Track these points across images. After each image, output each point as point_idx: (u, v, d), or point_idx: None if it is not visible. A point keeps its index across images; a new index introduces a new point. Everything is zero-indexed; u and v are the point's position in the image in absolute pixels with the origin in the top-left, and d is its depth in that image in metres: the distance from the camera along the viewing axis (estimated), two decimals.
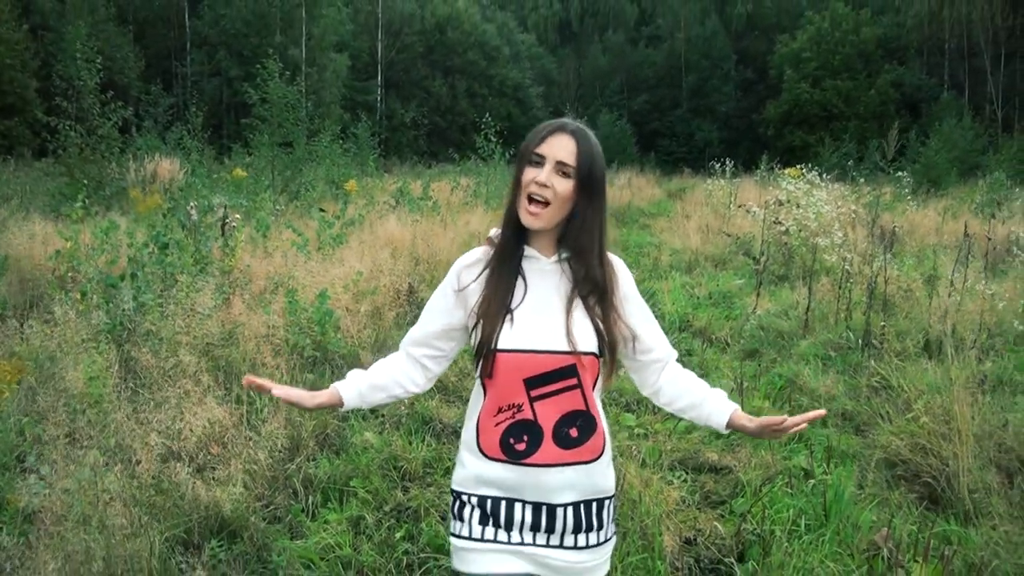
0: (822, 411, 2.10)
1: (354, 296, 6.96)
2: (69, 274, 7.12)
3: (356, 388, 2.12)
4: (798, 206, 9.95)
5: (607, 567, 2.15)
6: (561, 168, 1.96)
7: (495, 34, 55.17)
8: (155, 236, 7.19)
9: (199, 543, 3.48)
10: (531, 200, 1.96)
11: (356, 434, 4.93)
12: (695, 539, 3.91)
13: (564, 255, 2.04)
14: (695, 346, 7.48)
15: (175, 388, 4.41)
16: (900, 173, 12.00)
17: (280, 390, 2.03)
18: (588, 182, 1.98)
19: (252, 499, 3.87)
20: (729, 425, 2.15)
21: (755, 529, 3.90)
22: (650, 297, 9.53)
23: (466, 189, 18.33)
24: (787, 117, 46.65)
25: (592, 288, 2.03)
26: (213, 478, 3.81)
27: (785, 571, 3.48)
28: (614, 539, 2.17)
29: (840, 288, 7.68)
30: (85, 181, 15.52)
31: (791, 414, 5.34)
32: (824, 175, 12.76)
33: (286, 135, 18.47)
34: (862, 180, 12.65)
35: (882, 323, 6.35)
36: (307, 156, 18.96)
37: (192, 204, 7.85)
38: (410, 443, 4.83)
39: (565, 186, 1.96)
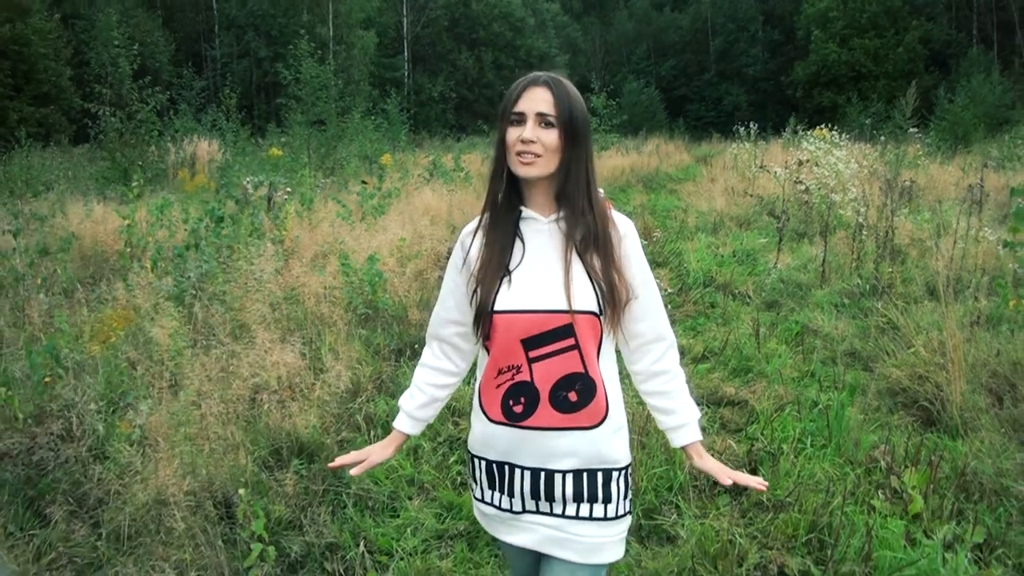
0: (764, 485, 2.10)
1: (398, 260, 7.51)
2: (128, 249, 7.72)
3: (409, 418, 2.18)
4: (817, 165, 10.33)
5: (620, 550, 2.06)
6: (543, 119, 1.96)
7: (520, 4, 55.07)
8: (210, 211, 7.78)
9: (284, 462, 4.06)
10: (520, 156, 1.97)
11: (408, 378, 5.48)
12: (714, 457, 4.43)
13: (562, 213, 2.02)
14: (718, 299, 7.94)
15: (244, 341, 5.00)
16: (913, 130, 12.26)
17: (359, 468, 2.12)
18: (571, 128, 1.97)
19: (323, 431, 4.44)
20: (683, 448, 2.15)
21: (766, 447, 4.41)
22: (676, 256, 10.02)
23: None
24: (815, 78, 46.17)
25: (585, 235, 2.00)
26: (290, 412, 4.38)
27: (791, 478, 4.00)
28: (629, 519, 2.09)
29: (854, 241, 8.11)
30: (127, 164, 16.24)
31: (804, 356, 5.85)
32: (846, 135, 13.08)
33: (319, 113, 19.02)
34: (882, 138, 12.92)
35: (889, 270, 6.80)
36: (340, 133, 19.47)
37: (247, 179, 8.42)
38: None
39: (551, 136, 1.95)
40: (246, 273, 6.06)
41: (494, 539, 2.14)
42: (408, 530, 3.66)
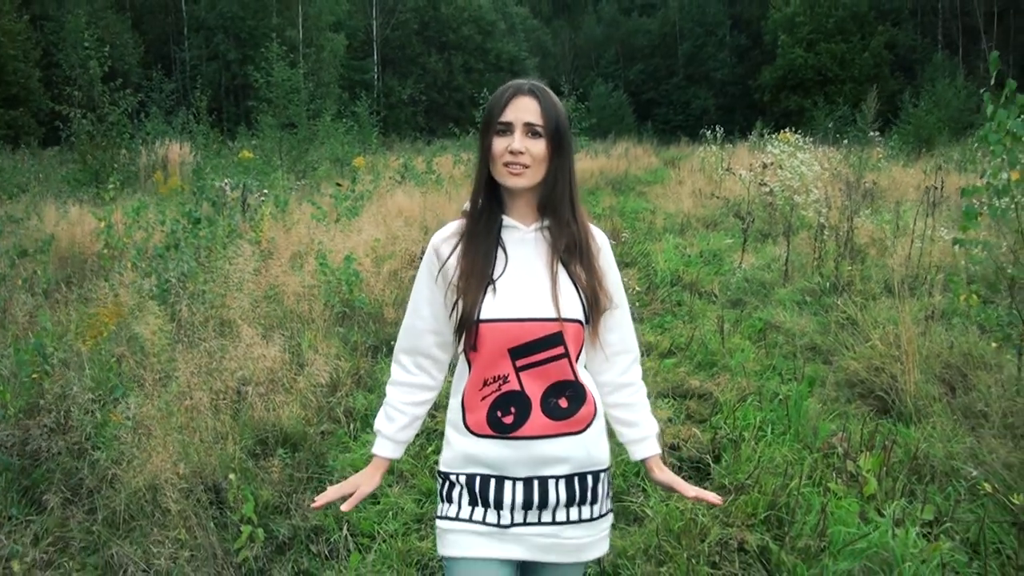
0: (720, 500, 2.15)
1: (374, 260, 7.68)
2: (107, 250, 7.84)
3: (390, 443, 2.12)
4: (781, 168, 10.62)
5: (606, 545, 2.10)
6: (530, 129, 1.95)
7: (489, 8, 55.33)
8: (187, 213, 7.91)
9: (270, 451, 4.23)
10: (509, 168, 1.95)
11: (386, 375, 5.66)
12: (679, 445, 4.65)
13: (545, 223, 2.02)
14: (684, 297, 8.18)
15: (229, 337, 5.16)
16: (873, 134, 12.61)
17: (351, 502, 2.07)
18: (557, 137, 1.97)
19: (306, 422, 4.61)
20: (642, 462, 2.16)
21: (728, 435, 4.63)
22: (644, 257, 10.25)
23: (467, 163, 18.98)
24: (782, 82, 46.76)
25: (570, 244, 2.01)
26: (274, 405, 4.55)
27: (751, 463, 4.21)
28: (611, 516, 2.13)
29: (816, 241, 8.38)
30: (98, 167, 16.25)
31: (767, 351, 6.08)
32: (811, 139, 13.38)
33: (290, 116, 19.12)
34: (845, 142, 13.26)
35: (849, 269, 7.07)
36: (311, 136, 19.57)
37: (226, 181, 8.55)
38: None
39: (539, 147, 1.95)
40: (226, 272, 6.21)
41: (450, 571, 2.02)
42: (389, 514, 3.84)
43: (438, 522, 2.05)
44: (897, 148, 17.63)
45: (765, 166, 11.02)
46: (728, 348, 6.34)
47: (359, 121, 24.94)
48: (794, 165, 10.59)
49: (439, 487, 2.08)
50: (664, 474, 2.13)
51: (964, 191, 4.63)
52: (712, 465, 4.40)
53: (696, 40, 55.18)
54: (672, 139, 40.99)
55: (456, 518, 2.00)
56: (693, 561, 3.33)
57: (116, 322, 5.03)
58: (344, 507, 2.05)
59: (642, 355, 2.28)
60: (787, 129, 16.31)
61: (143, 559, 3.27)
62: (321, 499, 2.03)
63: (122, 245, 7.98)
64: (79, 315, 5.55)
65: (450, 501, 2.03)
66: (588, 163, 24.10)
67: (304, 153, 18.49)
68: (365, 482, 2.08)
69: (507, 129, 1.95)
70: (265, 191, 9.09)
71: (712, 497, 2.11)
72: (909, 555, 3.25)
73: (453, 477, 2.02)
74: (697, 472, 4.42)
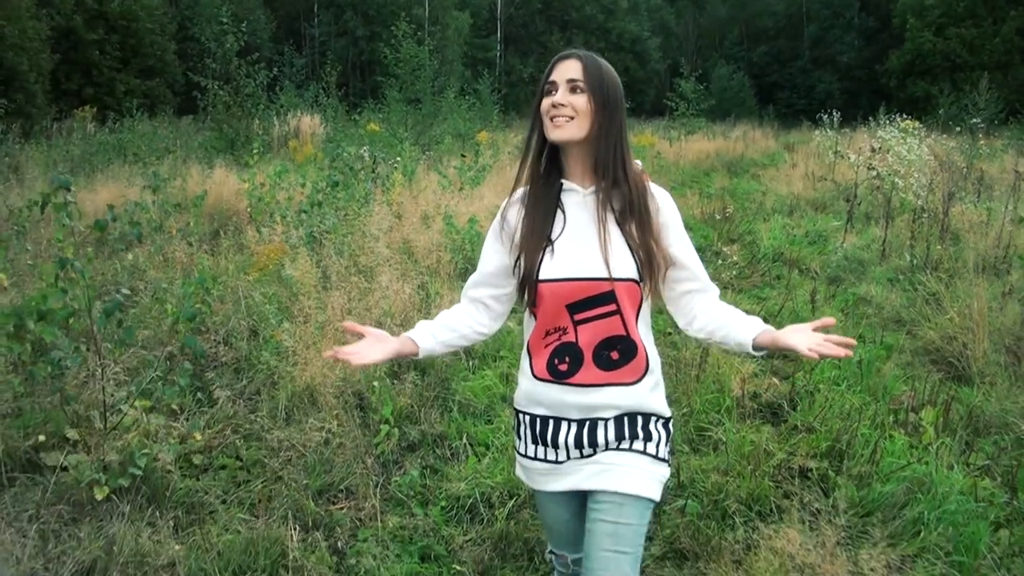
0: (848, 347, 1.97)
1: None
2: (260, 204, 8.76)
3: (428, 332, 2.20)
4: (888, 152, 10.88)
5: (659, 490, 2.15)
6: (572, 85, 2.05)
7: None
8: (326, 176, 8.78)
9: (404, 373, 5.00)
10: (552, 121, 2.06)
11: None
12: (759, 394, 5.20)
13: (602, 184, 2.10)
14: (784, 272, 8.63)
15: (367, 281, 5.95)
16: (975, 121, 12.63)
17: (344, 352, 2.07)
18: (601, 95, 2.05)
19: None
20: (756, 343, 2.10)
21: (805, 386, 5.16)
22: (750, 235, 10.70)
23: None
24: (910, 67, 45.41)
25: (623, 205, 2.10)
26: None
27: (824, 410, 4.74)
28: (667, 468, 2.20)
29: (914, 223, 8.71)
30: (233, 135, 17.46)
31: (856, 321, 6.54)
32: (928, 127, 13.42)
33: (416, 92, 20.03)
34: (958, 130, 13.30)
35: (939, 248, 7.44)
36: (434, 111, 20.43)
37: (364, 149, 9.41)
38: None
39: (581, 100, 2.04)
40: (363, 229, 7.02)
41: (532, 495, 2.28)
42: (501, 428, 4.53)
43: (517, 455, 2.32)
44: (1015, 137, 17.37)
45: (874, 150, 11.26)
46: (818, 316, 6.79)
47: (481, 98, 25.75)
48: (902, 151, 10.83)
49: (513, 423, 2.32)
50: (776, 339, 2.07)
51: None
52: (788, 411, 4.95)
53: (823, 22, 54.04)
54: (794, 123, 40.34)
55: (524, 455, 2.25)
56: (758, 476, 3.91)
57: (279, 259, 5.89)
58: (326, 353, 2.12)
59: None
60: (907, 117, 16.28)
61: (300, 442, 4.06)
62: (353, 328, 2.15)
63: (266, 203, 8.91)
64: (242, 257, 6.44)
65: (520, 438, 2.27)
66: (704, 144, 24.32)
67: (428, 127, 19.36)
68: (376, 347, 2.11)
69: (552, 87, 2.08)
70: (397, 158, 9.92)
71: (841, 345, 1.97)
72: (947, 483, 3.76)
73: (521, 415, 2.24)
74: (775, 416, 4.97)
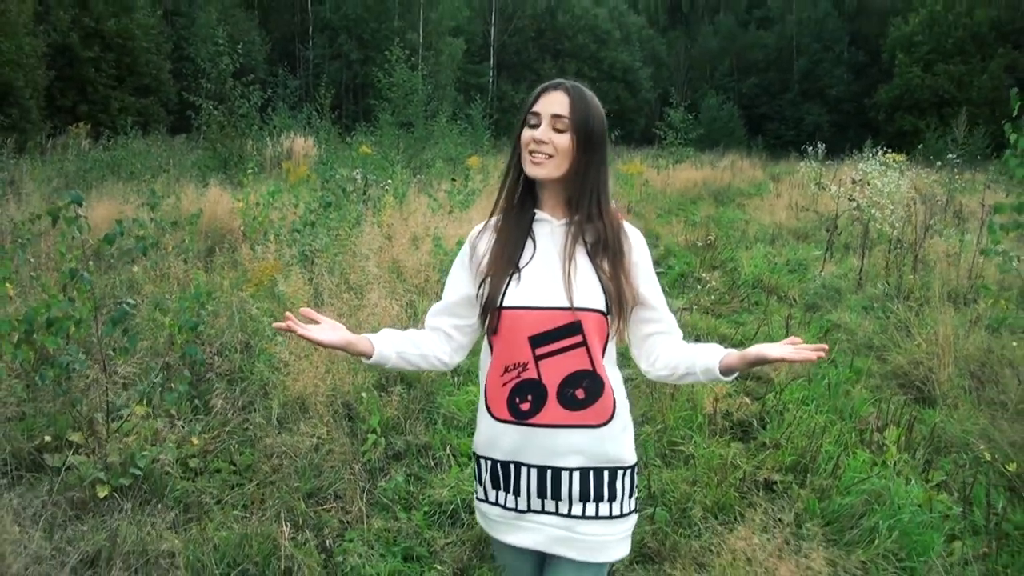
0: (815, 353, 1.94)
1: None
2: (253, 222, 8.97)
3: (389, 339, 2.11)
4: (868, 184, 11.20)
5: (626, 547, 2.12)
6: (557, 121, 1.99)
7: (606, 17, 55.85)
8: (319, 197, 9.01)
9: (391, 386, 5.21)
10: (532, 156, 2.01)
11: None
12: (731, 412, 5.43)
13: (575, 217, 2.05)
14: (763, 299, 8.88)
15: (357, 298, 6.17)
16: (950, 156, 12.98)
17: (301, 329, 1.99)
18: (585, 133, 2.00)
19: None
20: (723, 365, 2.05)
21: (775, 406, 5.39)
22: (732, 262, 10.97)
23: None
24: (898, 102, 45.92)
25: (596, 241, 2.05)
26: None
27: (791, 428, 4.97)
28: (634, 517, 2.15)
29: (889, 253, 9.01)
30: (226, 155, 17.66)
31: (830, 347, 6.76)
32: (912, 160, 13.70)
33: (409, 116, 20.31)
34: (939, 164, 13.64)
35: (911, 278, 7.72)
36: (426, 135, 20.70)
37: (357, 171, 9.66)
38: None
39: (563, 140, 1.99)
40: (354, 248, 7.25)
41: (492, 546, 2.22)
42: None
43: (475, 502, 2.23)
44: (999, 172, 17.71)
45: (854, 182, 11.59)
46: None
47: (472, 123, 26.05)
48: (882, 183, 11.15)
49: (474, 468, 2.24)
50: (745, 354, 2.03)
51: (996, 207, 5.29)
52: (758, 429, 5.18)
53: (813, 55, 54.60)
54: (783, 154, 40.71)
55: (484, 500, 2.16)
56: (724, 486, 4.14)
57: (273, 275, 6.11)
58: (276, 324, 2.04)
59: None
60: (896, 150, 16.64)
61: (292, 448, 4.27)
62: (307, 312, 2.06)
63: (259, 222, 9.13)
64: (236, 274, 6.66)
65: (480, 482, 2.17)
66: (692, 173, 24.66)
67: (420, 151, 19.63)
68: (329, 332, 2.04)
69: (536, 120, 2.02)
70: (388, 181, 10.17)
71: (809, 349, 1.95)
72: (905, 496, 3.99)
73: (481, 460, 2.14)
74: (744, 433, 5.19)
